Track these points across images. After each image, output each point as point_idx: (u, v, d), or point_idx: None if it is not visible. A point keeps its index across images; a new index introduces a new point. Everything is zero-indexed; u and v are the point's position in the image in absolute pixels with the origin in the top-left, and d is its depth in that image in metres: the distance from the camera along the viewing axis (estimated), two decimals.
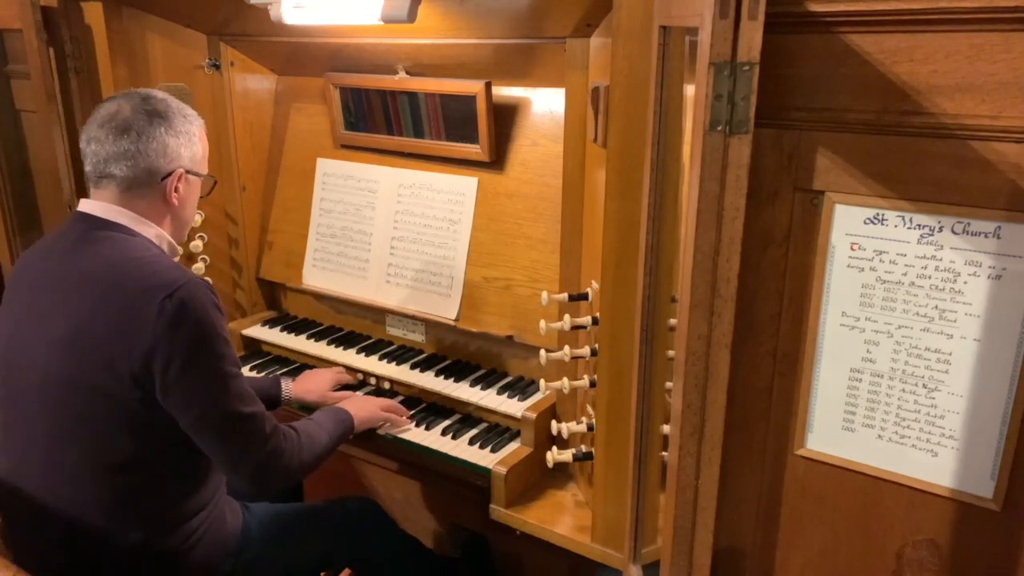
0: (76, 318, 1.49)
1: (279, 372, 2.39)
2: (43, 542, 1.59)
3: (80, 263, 1.54)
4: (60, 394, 1.51)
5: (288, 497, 2.22)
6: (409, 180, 2.33)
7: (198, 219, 2.50)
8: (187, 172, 1.66)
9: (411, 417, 2.15)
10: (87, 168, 1.62)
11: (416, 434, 2.08)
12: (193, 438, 1.55)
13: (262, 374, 2.40)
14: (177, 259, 1.70)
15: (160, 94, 1.67)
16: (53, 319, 1.52)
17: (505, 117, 2.13)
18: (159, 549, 1.60)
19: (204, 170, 1.74)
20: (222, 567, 1.72)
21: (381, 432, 2.09)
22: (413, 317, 2.34)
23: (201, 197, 1.78)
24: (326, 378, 2.19)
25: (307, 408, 2.14)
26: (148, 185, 1.61)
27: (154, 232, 1.64)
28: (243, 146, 2.55)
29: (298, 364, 2.46)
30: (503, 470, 1.91)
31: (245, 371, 2.41)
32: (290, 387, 2.12)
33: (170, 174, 1.63)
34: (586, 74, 1.79)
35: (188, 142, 1.66)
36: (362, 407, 2.03)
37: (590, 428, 1.77)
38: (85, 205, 1.62)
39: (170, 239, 1.68)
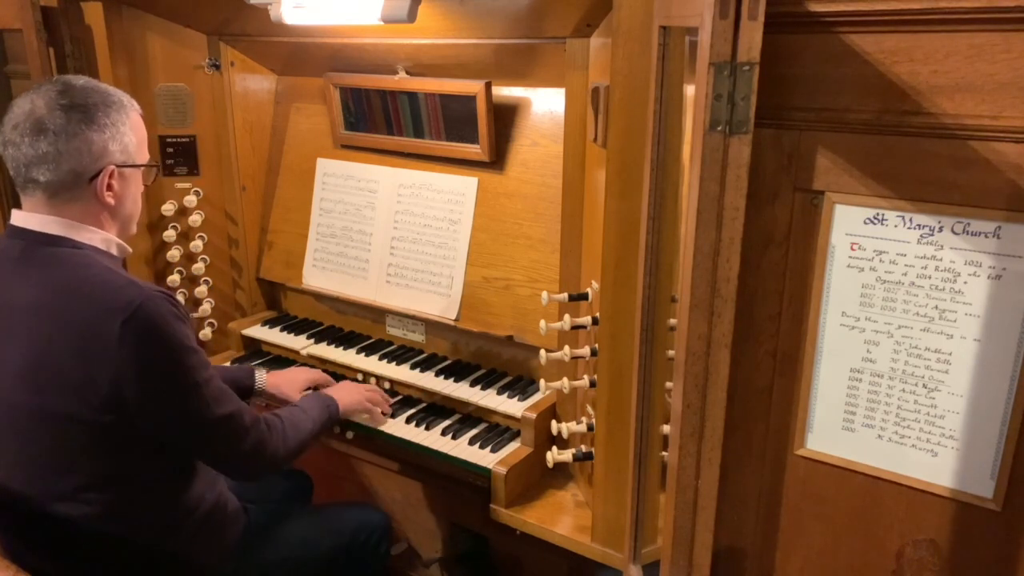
0: (34, 350, 1.42)
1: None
2: (38, 552, 1.57)
3: (27, 289, 1.45)
4: (30, 425, 1.46)
5: (297, 498, 2.22)
6: (409, 180, 2.33)
7: (198, 219, 2.50)
8: (119, 167, 1.53)
9: (411, 418, 2.15)
10: (10, 173, 1.49)
11: (416, 434, 2.09)
12: (178, 447, 1.55)
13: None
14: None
15: (80, 82, 1.52)
16: (9, 351, 1.45)
17: (505, 117, 2.13)
18: (160, 551, 1.60)
19: (142, 159, 1.60)
20: (223, 568, 1.72)
21: (371, 427, 2.10)
22: (413, 317, 2.34)
23: (145, 185, 1.65)
24: (300, 377, 2.17)
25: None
26: (75, 187, 1.48)
27: (100, 238, 1.53)
28: (243, 146, 2.55)
29: (298, 365, 2.46)
30: (503, 470, 1.91)
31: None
32: (264, 379, 2.10)
33: (99, 173, 1.49)
34: (586, 74, 1.79)
35: (116, 134, 1.51)
36: (347, 393, 2.04)
37: (590, 428, 1.77)
38: (18, 217, 1.51)
39: (118, 241, 1.58)
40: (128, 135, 1.54)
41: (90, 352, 1.39)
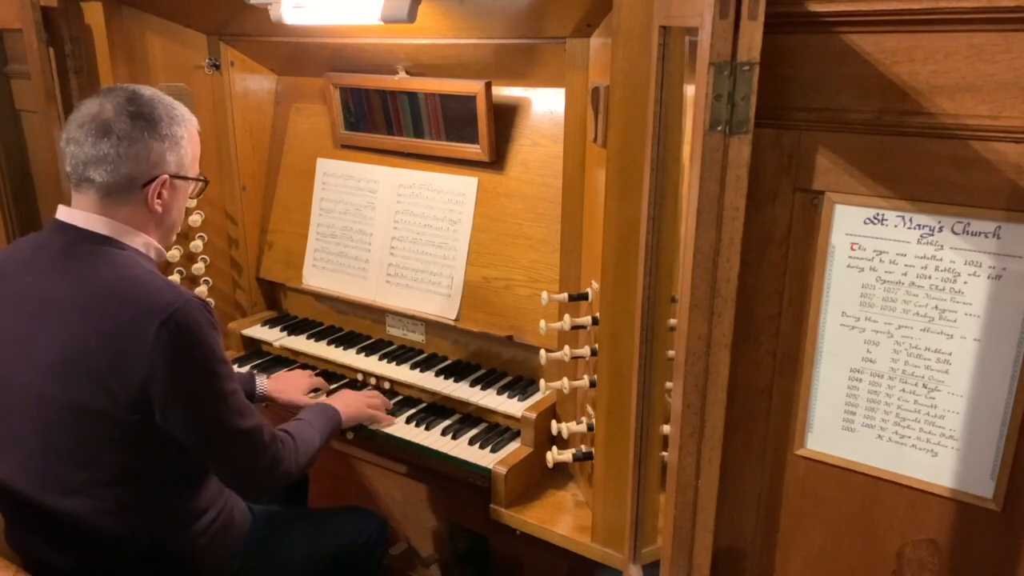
0: (68, 344, 1.44)
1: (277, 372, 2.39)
2: (47, 547, 1.58)
3: (66, 283, 1.47)
4: (55, 418, 1.47)
5: (294, 499, 2.22)
6: (409, 180, 2.33)
7: (198, 219, 2.50)
8: (173, 177, 1.58)
9: (411, 418, 2.16)
10: (67, 169, 1.54)
11: (416, 434, 2.09)
12: (195, 454, 1.55)
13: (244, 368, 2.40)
14: (168, 254, 1.64)
15: (148, 92, 1.58)
16: (42, 343, 1.46)
17: (505, 117, 2.13)
18: (166, 551, 1.60)
19: (194, 172, 1.65)
20: (228, 567, 1.72)
21: (372, 427, 2.11)
22: (413, 317, 2.34)
23: (191, 197, 1.70)
24: (301, 382, 2.18)
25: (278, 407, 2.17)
26: (128, 191, 1.52)
27: (141, 241, 1.57)
28: (243, 146, 2.55)
29: (298, 364, 2.46)
30: (503, 470, 1.91)
31: (243, 370, 2.41)
32: (264, 385, 2.12)
33: (152, 180, 1.54)
34: (586, 74, 1.79)
35: (174, 146, 1.56)
36: (349, 403, 2.05)
37: (590, 428, 1.77)
38: (64, 213, 1.54)
39: (157, 245, 1.61)
40: (186, 148, 1.60)
41: (124, 350, 1.41)
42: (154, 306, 1.42)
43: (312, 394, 2.18)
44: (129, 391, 1.41)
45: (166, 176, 1.56)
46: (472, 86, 2.05)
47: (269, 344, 2.53)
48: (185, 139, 1.60)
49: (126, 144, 1.50)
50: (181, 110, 1.61)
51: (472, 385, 2.18)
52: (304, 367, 2.42)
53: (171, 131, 1.56)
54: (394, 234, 2.35)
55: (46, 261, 1.52)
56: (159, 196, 1.56)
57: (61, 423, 1.47)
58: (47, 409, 1.47)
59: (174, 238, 1.71)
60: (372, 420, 2.10)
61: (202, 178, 1.70)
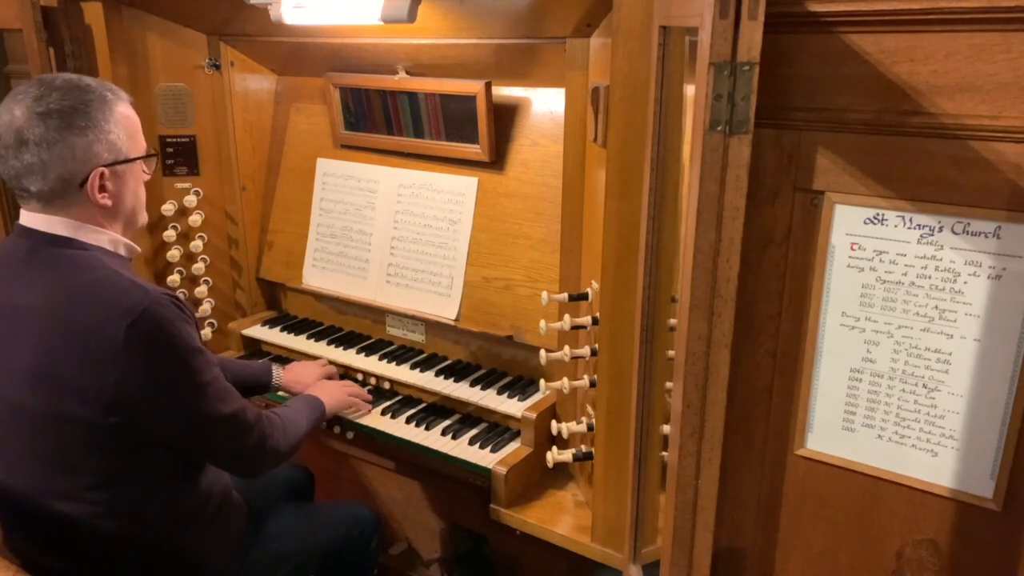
0: (40, 351, 1.41)
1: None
2: (43, 550, 1.58)
3: (33, 290, 1.44)
4: (35, 426, 1.46)
5: (298, 492, 2.23)
6: (409, 180, 2.33)
7: (198, 219, 2.50)
8: (109, 166, 1.48)
9: (411, 418, 2.16)
10: (7, 183, 1.48)
11: (416, 434, 2.09)
12: (181, 447, 1.55)
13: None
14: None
15: (58, 81, 1.45)
16: (15, 350, 1.44)
17: (505, 117, 2.13)
18: (162, 549, 1.60)
19: (136, 151, 1.53)
20: (228, 566, 1.72)
21: (349, 418, 2.14)
22: (413, 317, 2.34)
23: (147, 173, 1.60)
24: (315, 372, 2.21)
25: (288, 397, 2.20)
26: (67, 193, 1.45)
27: (107, 239, 1.51)
28: (243, 146, 2.55)
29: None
30: (503, 470, 1.91)
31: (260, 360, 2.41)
32: (280, 375, 2.15)
33: (88, 176, 1.46)
34: (586, 74, 1.79)
35: (99, 135, 1.45)
36: (331, 394, 2.07)
37: (590, 428, 1.77)
38: (25, 218, 1.49)
39: (126, 241, 1.56)
40: (114, 131, 1.49)
41: (95, 355, 1.39)
42: (120, 308, 1.38)
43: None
44: (103, 395, 1.40)
45: (101, 169, 1.47)
46: (472, 86, 2.05)
47: (269, 344, 2.53)
48: (110, 123, 1.48)
49: (45, 149, 1.41)
50: (99, 91, 1.48)
51: (472, 385, 2.18)
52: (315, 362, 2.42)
53: (90, 120, 1.45)
54: (394, 234, 2.35)
55: (13, 269, 1.48)
56: (103, 189, 1.48)
57: (40, 431, 1.46)
58: (26, 418, 1.46)
59: (140, 225, 1.62)
60: (353, 407, 2.14)
61: (147, 154, 1.58)
